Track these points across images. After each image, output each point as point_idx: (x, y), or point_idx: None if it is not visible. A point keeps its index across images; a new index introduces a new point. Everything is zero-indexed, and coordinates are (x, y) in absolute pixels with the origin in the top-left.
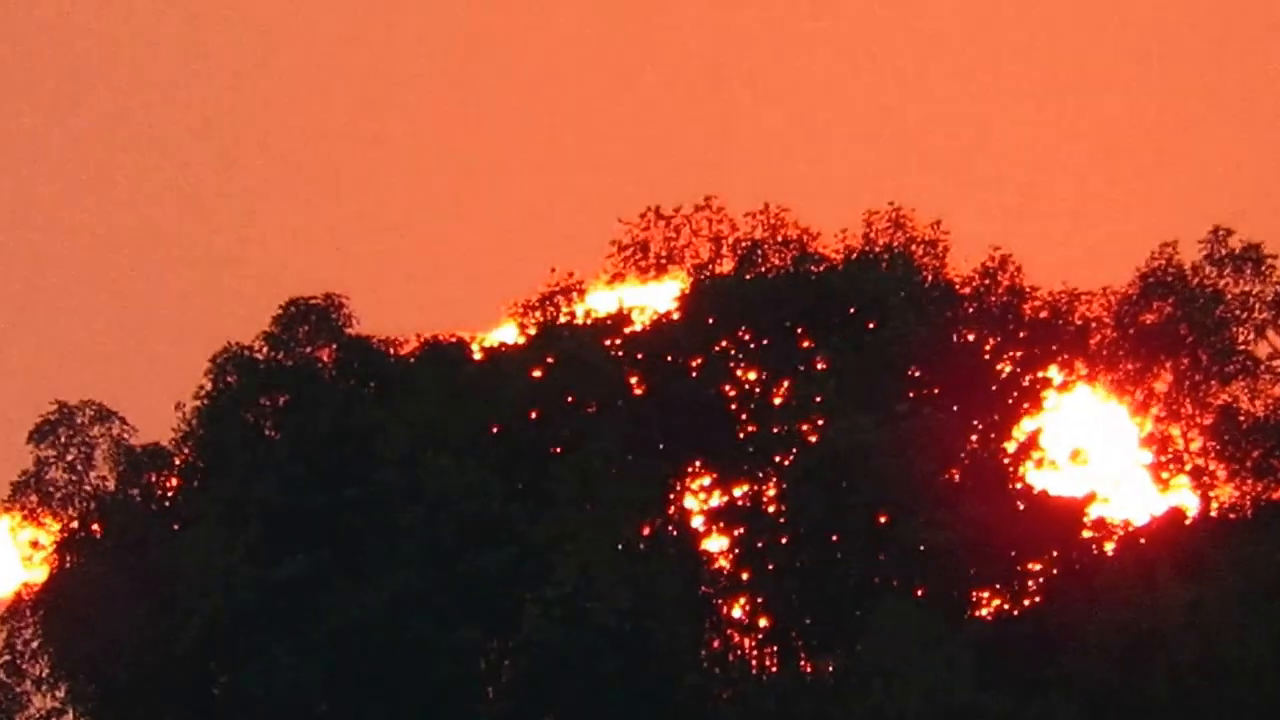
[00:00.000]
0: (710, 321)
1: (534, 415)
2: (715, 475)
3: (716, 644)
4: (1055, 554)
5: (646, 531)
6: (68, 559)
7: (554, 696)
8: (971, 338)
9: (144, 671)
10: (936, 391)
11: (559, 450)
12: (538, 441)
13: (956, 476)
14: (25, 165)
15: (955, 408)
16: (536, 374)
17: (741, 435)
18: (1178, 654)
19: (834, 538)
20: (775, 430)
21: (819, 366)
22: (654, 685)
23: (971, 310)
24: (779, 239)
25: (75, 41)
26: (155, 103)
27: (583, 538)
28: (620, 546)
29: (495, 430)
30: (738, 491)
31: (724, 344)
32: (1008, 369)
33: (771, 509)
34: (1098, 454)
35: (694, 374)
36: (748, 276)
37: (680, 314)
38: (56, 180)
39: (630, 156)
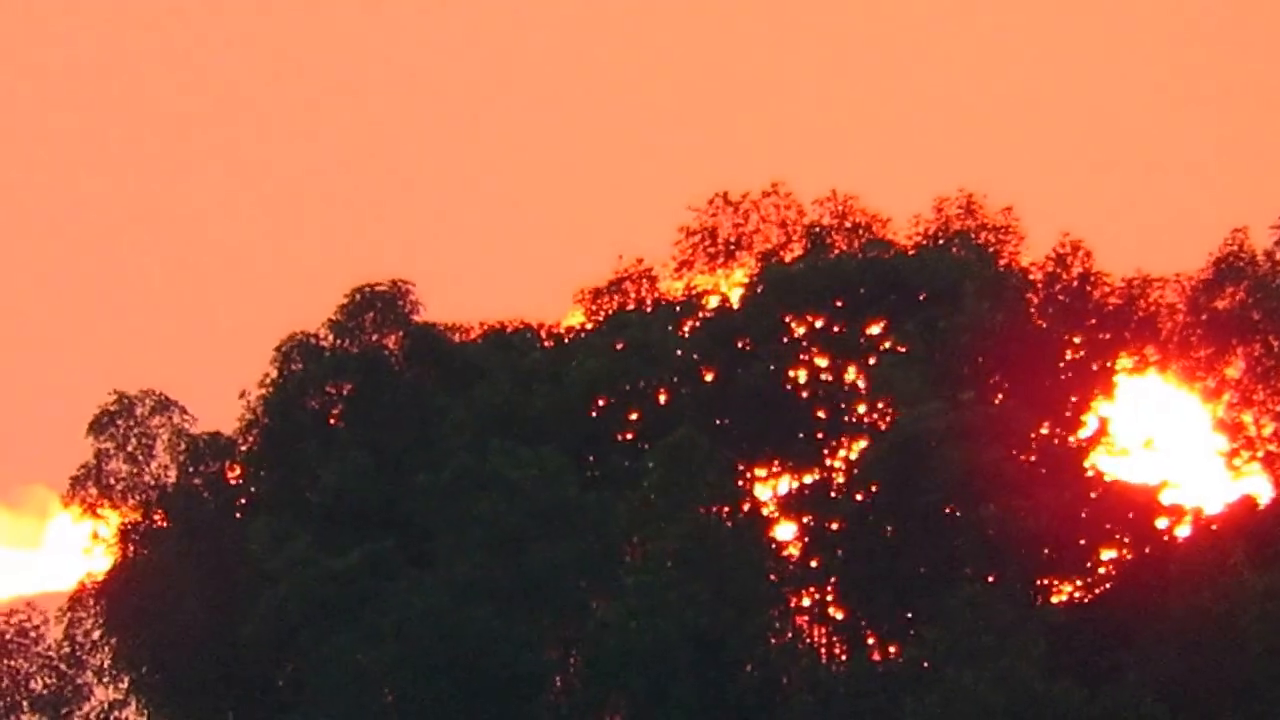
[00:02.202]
0: (780, 307)
1: (602, 402)
2: (785, 462)
3: (788, 634)
4: (1127, 541)
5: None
6: (131, 549)
7: (622, 685)
8: (1043, 324)
9: (208, 661)
10: (1008, 378)
11: (628, 437)
12: (606, 428)
13: (1028, 463)
14: (86, 155)
15: (1026, 394)
16: (605, 360)
17: (811, 421)
18: (1250, 641)
19: (904, 525)
20: (846, 417)
21: (889, 352)
22: (723, 674)
23: (1042, 296)
24: (847, 225)
25: (139, 30)
26: (217, 89)
27: (666, 525)
28: (697, 534)
29: (563, 417)
30: (808, 478)
31: (794, 330)
32: (1079, 355)
33: (841, 496)
34: (1170, 441)
35: (763, 360)
36: (817, 263)
37: (749, 300)
38: (117, 169)
39: (698, 143)
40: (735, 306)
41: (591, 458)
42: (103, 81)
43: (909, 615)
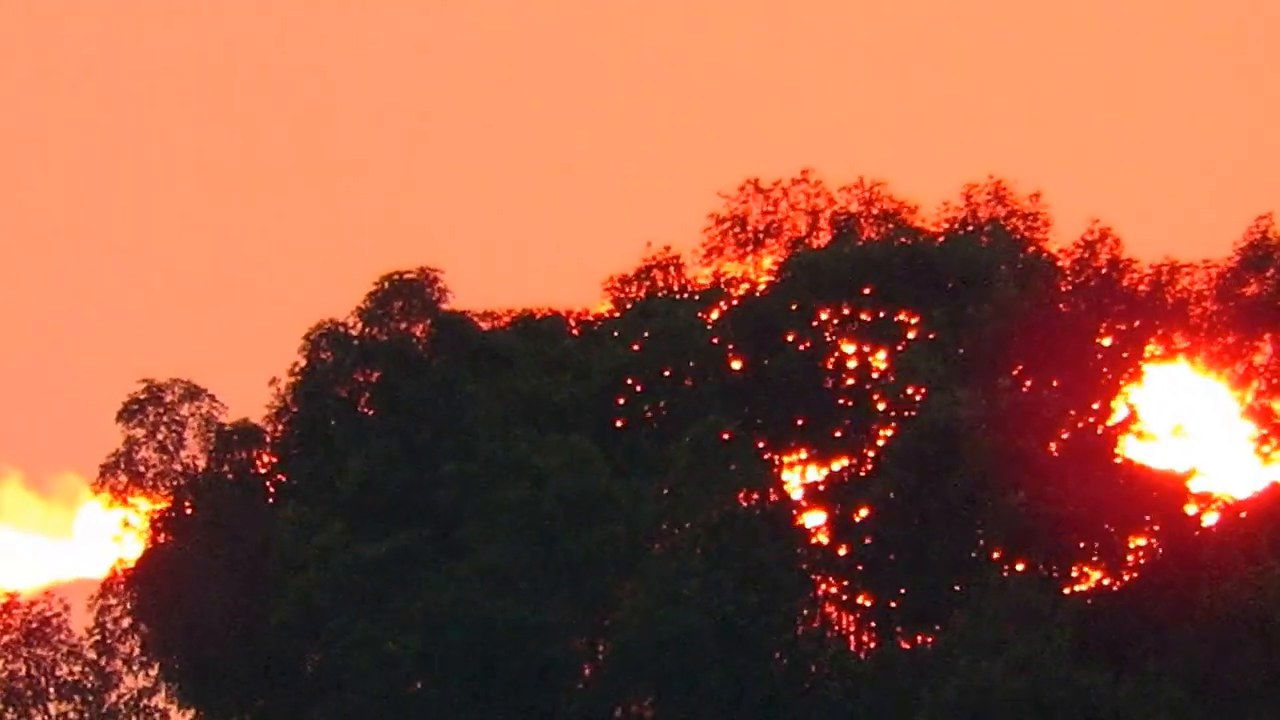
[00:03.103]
0: (808, 295)
1: (630, 390)
2: (813, 449)
3: (816, 621)
4: (1156, 528)
5: (745, 506)
6: (161, 538)
7: (649, 673)
8: (1071, 311)
9: (236, 649)
10: (1036, 365)
11: (655, 425)
12: (633, 416)
13: (1056, 450)
14: (114, 144)
15: (1055, 381)
16: (633, 348)
17: (840, 409)
18: (1277, 630)
19: (932, 512)
20: (874, 404)
21: (918, 340)
22: (750, 661)
23: (1071, 283)
24: (875, 212)
25: (165, 22)
26: (245, 78)
27: (693, 513)
28: (725, 522)
29: (590, 405)
30: (836, 466)
31: (822, 317)
32: (1107, 342)
33: (870, 483)
34: (1198, 428)
35: (792, 348)
36: (845, 250)
37: (778, 287)
38: (144, 157)
39: (727, 130)
40: (764, 293)
41: (619, 445)
42: (131, 72)
43: (937, 603)
